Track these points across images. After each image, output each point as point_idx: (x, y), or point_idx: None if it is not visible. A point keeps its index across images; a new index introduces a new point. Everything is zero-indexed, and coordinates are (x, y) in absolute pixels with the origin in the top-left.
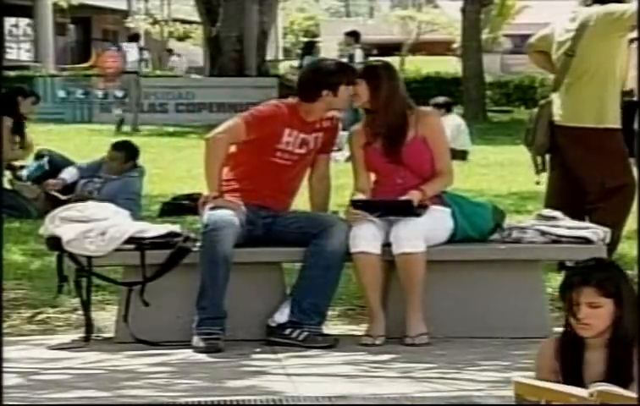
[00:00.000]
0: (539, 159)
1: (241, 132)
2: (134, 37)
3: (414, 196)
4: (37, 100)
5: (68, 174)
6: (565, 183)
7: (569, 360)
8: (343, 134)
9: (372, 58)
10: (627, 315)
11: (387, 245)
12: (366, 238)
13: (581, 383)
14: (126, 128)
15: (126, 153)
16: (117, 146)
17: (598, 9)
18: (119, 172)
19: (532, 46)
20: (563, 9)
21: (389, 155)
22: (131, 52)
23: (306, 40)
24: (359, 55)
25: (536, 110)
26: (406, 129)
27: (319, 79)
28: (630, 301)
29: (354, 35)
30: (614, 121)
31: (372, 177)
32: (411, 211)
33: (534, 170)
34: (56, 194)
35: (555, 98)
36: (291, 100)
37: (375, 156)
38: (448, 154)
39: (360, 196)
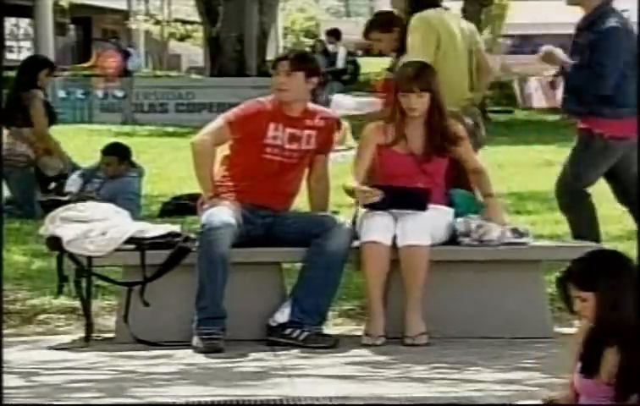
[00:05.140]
0: None
1: (225, 132)
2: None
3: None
4: (52, 70)
5: (74, 183)
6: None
7: (588, 352)
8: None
9: (354, 58)
10: (605, 309)
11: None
12: (378, 228)
13: (597, 376)
14: (126, 128)
15: (118, 156)
16: (107, 151)
17: None
18: (117, 174)
19: None
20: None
21: (422, 159)
22: (137, 60)
23: (312, 41)
24: (342, 53)
25: None
26: (452, 138)
27: None
28: (610, 296)
29: (334, 34)
30: None
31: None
32: (423, 202)
33: None
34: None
35: None
36: (273, 96)
37: (395, 158)
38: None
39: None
